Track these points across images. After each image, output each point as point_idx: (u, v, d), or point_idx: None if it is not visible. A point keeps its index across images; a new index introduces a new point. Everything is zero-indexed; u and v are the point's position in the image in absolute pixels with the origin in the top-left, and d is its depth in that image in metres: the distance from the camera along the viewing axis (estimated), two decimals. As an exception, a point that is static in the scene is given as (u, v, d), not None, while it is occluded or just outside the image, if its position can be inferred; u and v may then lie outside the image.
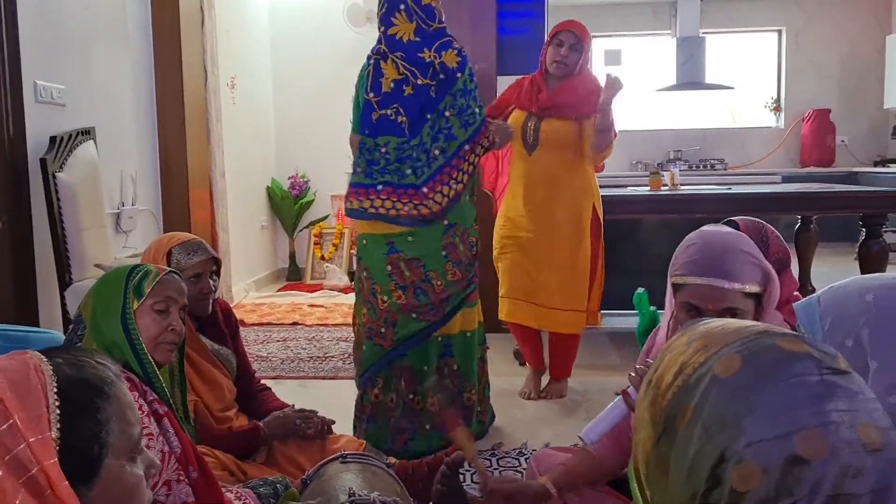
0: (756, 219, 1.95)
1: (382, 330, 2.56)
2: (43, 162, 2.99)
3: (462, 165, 2.48)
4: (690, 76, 7.56)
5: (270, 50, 6.53)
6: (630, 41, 7.92)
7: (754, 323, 0.69)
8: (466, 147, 2.48)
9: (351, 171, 2.62)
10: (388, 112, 2.50)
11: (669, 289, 1.52)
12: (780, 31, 8.07)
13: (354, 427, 2.66)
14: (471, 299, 2.64)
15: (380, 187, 2.49)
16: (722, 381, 0.63)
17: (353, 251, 6.31)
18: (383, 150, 2.50)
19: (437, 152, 2.47)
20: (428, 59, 2.48)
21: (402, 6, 2.49)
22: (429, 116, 2.49)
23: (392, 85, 2.50)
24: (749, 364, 0.63)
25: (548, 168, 3.05)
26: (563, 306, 3.07)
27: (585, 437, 1.48)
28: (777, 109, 8.17)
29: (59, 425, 0.83)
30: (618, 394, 1.49)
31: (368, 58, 2.61)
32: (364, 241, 2.61)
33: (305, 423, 2.12)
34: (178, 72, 4.32)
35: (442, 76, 2.48)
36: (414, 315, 2.54)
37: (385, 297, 2.54)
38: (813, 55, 7.96)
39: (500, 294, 3.20)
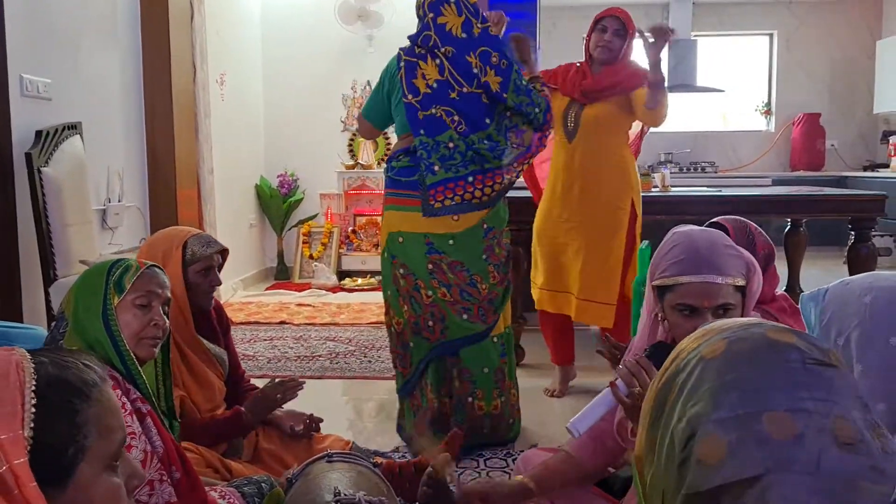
0: (738, 217, 1.98)
1: (430, 323, 2.54)
2: (28, 156, 2.95)
3: (528, 159, 2.58)
4: (682, 78, 7.58)
5: (261, 47, 6.50)
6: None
7: (752, 319, 0.71)
8: (535, 145, 2.55)
9: (385, 171, 2.74)
10: (434, 112, 2.48)
11: (651, 293, 1.52)
12: (771, 35, 8.10)
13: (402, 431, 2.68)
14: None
15: (470, 178, 2.49)
16: (706, 362, 0.65)
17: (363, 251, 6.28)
18: (451, 145, 2.49)
19: (516, 141, 2.52)
20: (474, 70, 2.47)
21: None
22: (487, 121, 2.50)
23: (435, 85, 2.48)
24: (733, 347, 0.65)
25: (587, 157, 3.02)
26: (594, 298, 3.04)
27: (573, 428, 1.47)
28: (768, 113, 8.20)
29: (32, 424, 0.80)
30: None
31: (399, 57, 2.56)
32: (400, 239, 2.57)
33: (284, 394, 2.10)
34: (167, 67, 4.29)
35: (487, 93, 2.49)
36: (465, 316, 2.53)
37: (430, 292, 2.53)
38: (804, 59, 8.00)
39: (537, 284, 3.22)
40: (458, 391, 2.54)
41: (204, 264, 2.05)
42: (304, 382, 2.21)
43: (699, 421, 0.61)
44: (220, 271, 2.11)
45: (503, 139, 2.48)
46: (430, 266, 2.52)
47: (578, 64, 3.13)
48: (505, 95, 2.47)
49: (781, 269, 4.30)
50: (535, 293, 3.26)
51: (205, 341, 2.11)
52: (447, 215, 2.49)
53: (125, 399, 1.42)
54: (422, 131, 2.50)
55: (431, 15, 2.50)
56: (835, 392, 0.61)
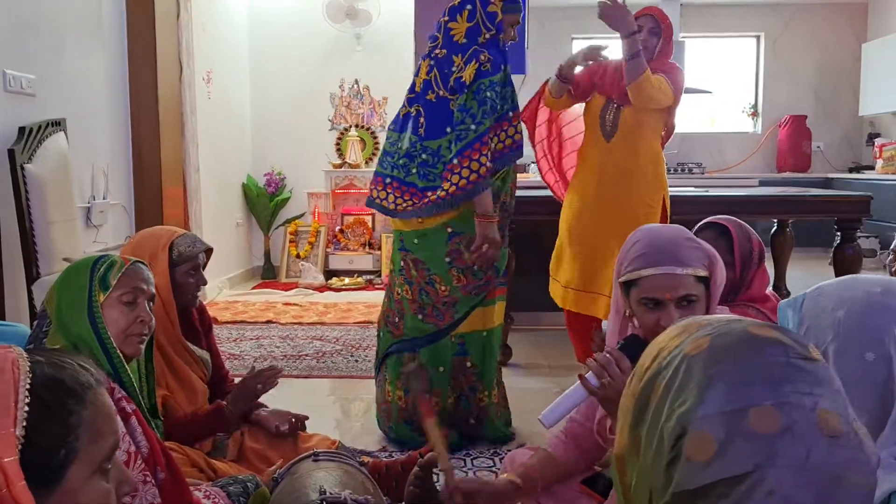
0: (731, 217, 2.02)
1: (396, 319, 2.62)
2: (11, 153, 2.92)
3: (450, 177, 2.38)
4: (669, 80, 7.60)
5: (248, 45, 6.47)
6: (611, 43, 7.93)
7: (731, 315, 0.72)
8: (455, 161, 2.38)
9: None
10: (412, 110, 2.56)
11: (618, 291, 1.55)
12: (758, 38, 8.15)
13: (379, 423, 2.73)
14: (490, 297, 2.61)
15: (388, 180, 2.57)
16: (690, 358, 0.65)
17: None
18: (401, 144, 2.56)
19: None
20: (454, 69, 2.45)
21: (469, 6, 2.50)
22: (448, 130, 2.46)
23: (422, 85, 2.55)
24: (716, 343, 0.65)
25: (623, 158, 3.01)
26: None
27: (545, 420, 1.49)
28: (754, 115, 8.25)
29: (24, 423, 0.79)
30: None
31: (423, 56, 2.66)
32: (393, 235, 2.71)
33: (265, 384, 2.08)
34: (153, 64, 4.26)
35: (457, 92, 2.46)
36: (420, 316, 2.55)
37: (398, 290, 2.61)
38: (790, 62, 8.05)
39: (561, 282, 3.19)
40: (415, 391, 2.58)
41: (191, 264, 2.03)
42: (283, 369, 2.19)
43: (688, 418, 0.61)
44: (204, 270, 2.10)
45: (441, 166, 2.45)
46: (402, 263, 2.59)
47: (616, 65, 3.05)
48: (465, 92, 2.41)
49: (768, 269, 4.33)
50: (557, 290, 3.21)
51: (188, 344, 2.09)
52: (410, 218, 2.52)
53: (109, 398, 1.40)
54: (393, 125, 2.63)
55: (445, 19, 2.56)
56: (818, 385, 0.62)
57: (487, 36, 2.48)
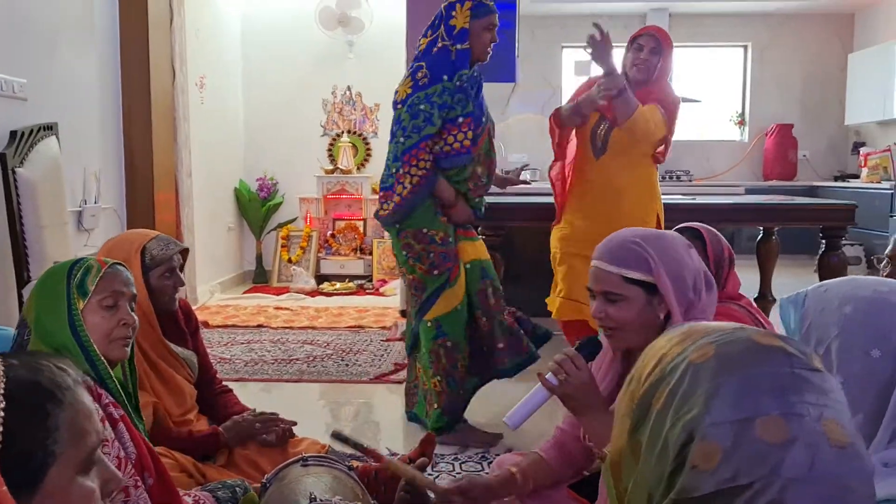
0: (704, 226, 2.10)
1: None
2: (2, 157, 2.92)
3: (397, 187, 2.65)
4: (658, 88, 7.65)
5: (241, 50, 6.48)
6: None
7: (732, 323, 0.71)
8: (400, 171, 2.63)
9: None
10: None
11: None
12: (745, 47, 8.23)
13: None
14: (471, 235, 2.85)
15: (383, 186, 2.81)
16: (695, 367, 0.65)
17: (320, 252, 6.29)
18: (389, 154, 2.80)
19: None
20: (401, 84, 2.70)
21: (437, 19, 2.70)
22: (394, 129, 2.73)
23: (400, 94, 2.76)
24: (722, 351, 0.65)
25: (614, 174, 3.00)
26: None
27: (509, 421, 1.56)
28: (741, 123, 8.32)
29: (1, 428, 0.78)
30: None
31: None
32: None
33: (265, 426, 2.10)
34: (146, 69, 4.27)
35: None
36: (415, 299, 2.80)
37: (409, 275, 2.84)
38: (777, 71, 8.13)
39: (557, 293, 3.15)
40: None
41: (166, 267, 2.01)
42: (292, 429, 2.18)
43: (694, 426, 0.61)
44: (181, 271, 2.09)
45: (391, 162, 2.69)
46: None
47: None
48: (399, 107, 2.66)
49: (754, 276, 4.37)
50: (554, 302, 3.17)
51: (172, 345, 2.08)
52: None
53: (97, 405, 1.41)
54: None
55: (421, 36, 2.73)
56: (823, 396, 0.62)
57: (440, 45, 2.63)
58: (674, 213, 3.65)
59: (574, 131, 3.12)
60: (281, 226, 6.46)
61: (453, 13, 2.64)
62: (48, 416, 0.82)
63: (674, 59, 3.11)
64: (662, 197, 3.25)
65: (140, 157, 4.28)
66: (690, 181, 7.80)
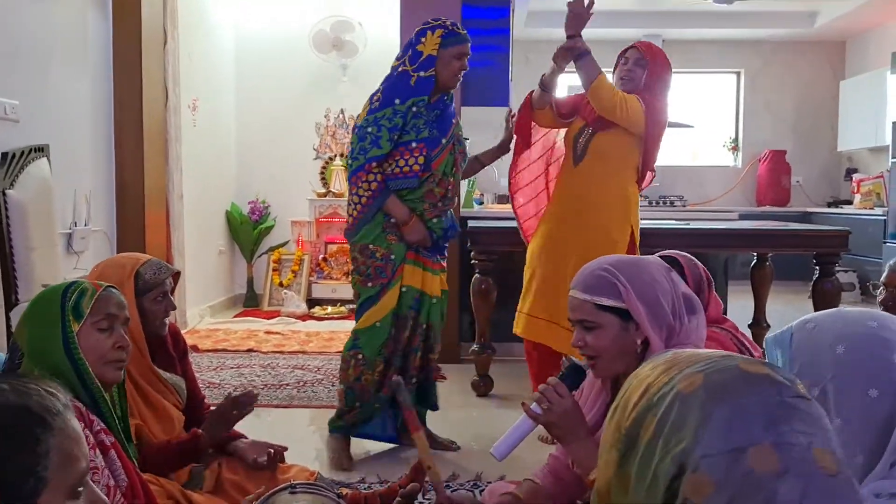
0: (678, 251, 2.10)
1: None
2: (-8, 178, 2.91)
3: (348, 207, 2.82)
4: (651, 114, 7.70)
5: (234, 73, 6.50)
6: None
7: (718, 350, 0.71)
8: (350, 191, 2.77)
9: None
10: None
11: None
12: (738, 74, 8.30)
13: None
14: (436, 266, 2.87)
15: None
16: (684, 396, 0.64)
17: (310, 276, 6.26)
18: None
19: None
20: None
21: (408, 45, 2.77)
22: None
23: None
24: (710, 380, 0.64)
25: (589, 183, 2.98)
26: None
27: (496, 453, 1.57)
28: (735, 149, 8.37)
29: None
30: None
31: None
32: None
33: (240, 409, 2.05)
34: (138, 92, 4.27)
35: None
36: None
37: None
38: (769, 98, 8.19)
39: (518, 308, 3.11)
40: None
41: (158, 291, 1.99)
42: (258, 393, 2.16)
43: (685, 458, 0.61)
44: (172, 295, 2.07)
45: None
46: None
47: None
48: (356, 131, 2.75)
49: (748, 302, 4.36)
50: (520, 319, 3.11)
51: (161, 371, 2.05)
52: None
53: (88, 431, 1.38)
54: None
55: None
56: (812, 424, 0.62)
57: (401, 69, 2.69)
58: (668, 239, 3.64)
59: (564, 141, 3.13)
60: (272, 249, 6.43)
61: (423, 39, 2.68)
62: (38, 442, 0.81)
63: (668, 80, 3.07)
64: (656, 221, 3.25)
65: (131, 178, 4.26)
66: (684, 206, 7.82)
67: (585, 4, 2.85)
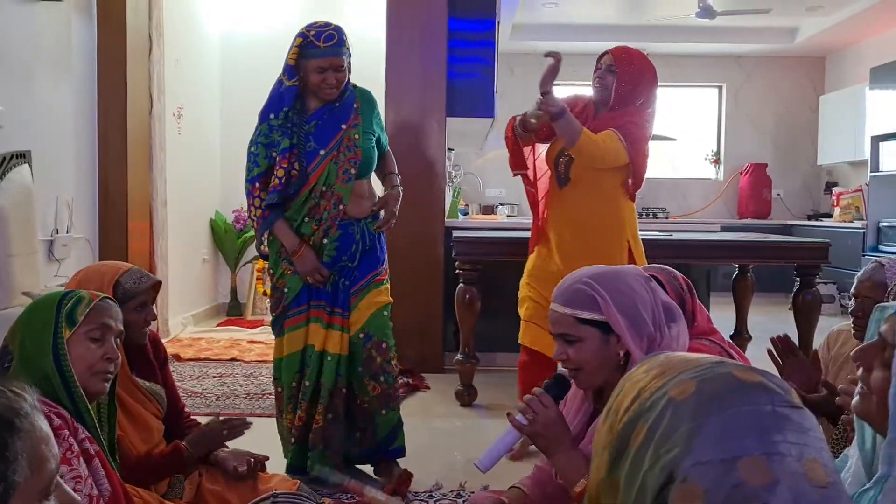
0: (658, 265, 2.06)
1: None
2: (-27, 184, 2.88)
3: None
4: (635, 126, 7.77)
5: (220, 81, 6.48)
6: (578, 90, 8.10)
7: (711, 356, 0.70)
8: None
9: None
10: None
11: None
12: (720, 88, 8.39)
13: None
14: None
15: None
16: (676, 404, 0.63)
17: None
18: None
19: None
20: None
21: None
22: None
23: None
24: (703, 388, 0.63)
25: (578, 205, 2.89)
26: None
27: (481, 465, 1.56)
28: (717, 162, 8.45)
29: None
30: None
31: None
32: None
33: (232, 432, 2.04)
34: (123, 99, 4.25)
35: None
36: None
37: None
38: (751, 112, 8.29)
39: (524, 318, 3.03)
40: None
41: (139, 300, 1.97)
42: (252, 423, 2.14)
43: (675, 467, 0.60)
44: (153, 304, 2.06)
45: None
46: None
47: (585, 104, 3.00)
48: None
49: (730, 313, 4.39)
50: (522, 325, 3.05)
51: (140, 380, 2.03)
52: None
53: (72, 440, 1.37)
54: None
55: None
56: (803, 434, 0.61)
57: (279, 78, 2.60)
58: (650, 250, 3.67)
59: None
60: (256, 258, 6.40)
61: (291, 46, 2.54)
62: (6, 446, 0.79)
63: (647, 87, 2.92)
64: (640, 233, 3.20)
65: (114, 186, 4.24)
66: (667, 218, 7.88)
67: (555, 60, 2.74)
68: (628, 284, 1.50)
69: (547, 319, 2.87)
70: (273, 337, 2.73)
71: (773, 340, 2.14)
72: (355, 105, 2.62)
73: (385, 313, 2.63)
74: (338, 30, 2.51)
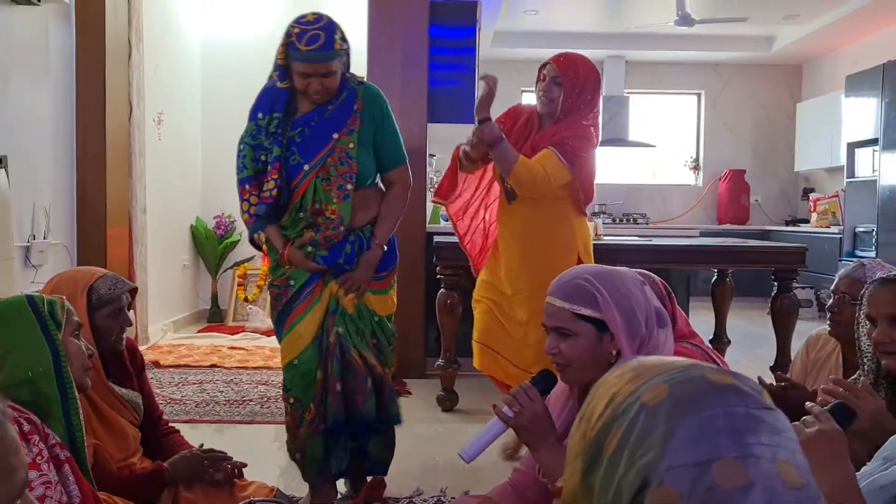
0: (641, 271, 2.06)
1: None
2: (-52, 189, 2.85)
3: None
4: (615, 133, 7.85)
5: (201, 87, 6.45)
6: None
7: (685, 359, 0.70)
8: None
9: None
10: None
11: None
12: (699, 95, 8.48)
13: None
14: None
15: None
16: (649, 408, 0.63)
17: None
18: None
19: None
20: None
21: None
22: None
23: None
24: (676, 391, 0.63)
25: (526, 220, 2.82)
26: (529, 368, 2.75)
27: (465, 455, 1.55)
28: (696, 168, 8.52)
29: None
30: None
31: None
32: None
33: (214, 465, 2.02)
34: (101, 105, 4.22)
35: None
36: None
37: None
38: (729, 119, 8.38)
39: (473, 338, 3.01)
40: None
41: (113, 307, 1.95)
42: (242, 469, 2.07)
43: (650, 471, 0.60)
44: (129, 310, 2.04)
45: None
46: None
47: (529, 114, 2.91)
48: None
49: (709, 318, 4.43)
50: (473, 346, 3.03)
51: (116, 387, 2.00)
52: None
53: (42, 445, 1.36)
54: None
55: None
56: (777, 435, 0.61)
57: (271, 76, 2.34)
58: (631, 255, 3.70)
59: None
60: (238, 264, 6.36)
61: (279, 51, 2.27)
62: None
63: (593, 93, 2.81)
64: (619, 238, 3.24)
65: (93, 192, 4.20)
66: (647, 224, 7.94)
67: (489, 87, 2.65)
68: (626, 286, 1.52)
69: (495, 333, 2.91)
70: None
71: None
72: (356, 107, 2.29)
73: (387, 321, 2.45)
74: (327, 28, 2.18)
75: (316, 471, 2.38)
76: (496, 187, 3.04)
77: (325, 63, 2.18)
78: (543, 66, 2.83)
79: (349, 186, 2.27)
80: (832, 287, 2.11)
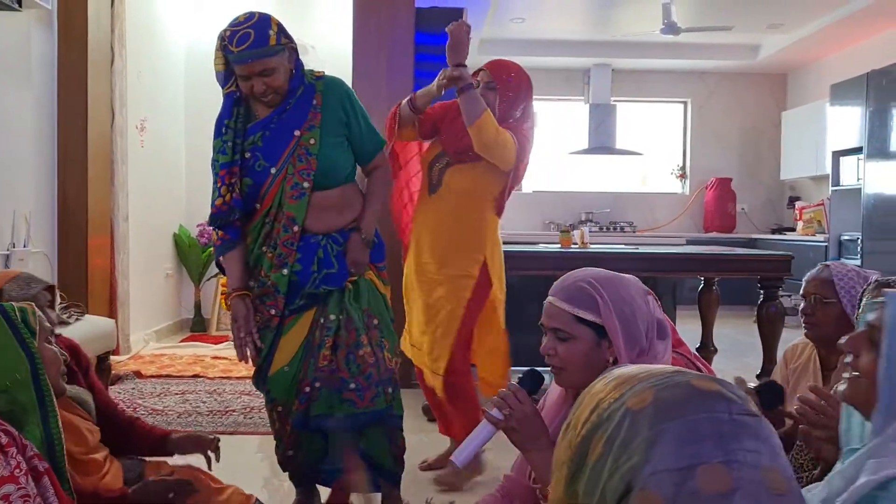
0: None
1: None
2: (-77, 196, 2.80)
3: None
4: (602, 141, 7.87)
5: (185, 94, 6.41)
6: (544, 105, 8.18)
7: (671, 367, 0.70)
8: None
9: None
10: None
11: None
12: (685, 103, 8.51)
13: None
14: None
15: None
16: (634, 413, 0.63)
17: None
18: None
19: None
20: None
21: None
22: None
23: None
24: (661, 397, 0.64)
25: (440, 214, 2.79)
26: (427, 365, 2.83)
27: (456, 460, 1.52)
28: (683, 177, 8.55)
29: None
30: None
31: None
32: None
33: (180, 495, 1.94)
34: (83, 112, 4.18)
35: None
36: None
37: None
38: (715, 127, 8.42)
39: (408, 339, 3.00)
40: None
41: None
42: (218, 439, 2.02)
43: (634, 476, 0.60)
44: (53, 308, 2.00)
45: None
46: None
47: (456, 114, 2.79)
48: None
49: (696, 326, 4.42)
50: (406, 349, 2.95)
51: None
52: None
53: (20, 457, 1.33)
54: None
55: None
56: (761, 441, 0.61)
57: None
58: (618, 262, 3.69)
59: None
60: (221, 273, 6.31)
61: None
62: None
63: (527, 99, 2.80)
64: (607, 246, 3.24)
65: (74, 199, 4.16)
66: (634, 232, 7.95)
67: (466, 30, 2.57)
68: (630, 293, 1.50)
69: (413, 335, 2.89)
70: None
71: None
72: (315, 101, 2.20)
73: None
74: (257, 25, 2.08)
75: (306, 471, 2.37)
76: (418, 181, 2.98)
77: (260, 61, 2.08)
78: (477, 72, 2.79)
79: (305, 184, 2.17)
80: (801, 291, 2.13)
